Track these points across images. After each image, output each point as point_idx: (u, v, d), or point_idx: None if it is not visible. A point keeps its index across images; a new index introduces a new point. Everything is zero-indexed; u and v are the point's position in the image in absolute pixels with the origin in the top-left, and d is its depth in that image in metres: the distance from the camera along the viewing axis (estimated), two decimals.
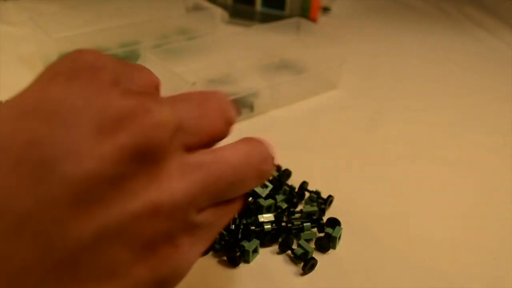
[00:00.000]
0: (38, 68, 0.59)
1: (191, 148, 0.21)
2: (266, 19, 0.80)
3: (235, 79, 0.58)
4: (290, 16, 0.82)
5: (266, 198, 0.39)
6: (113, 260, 0.18)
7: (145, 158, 0.18)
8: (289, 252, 0.37)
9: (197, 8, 0.70)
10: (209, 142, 0.22)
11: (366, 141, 0.52)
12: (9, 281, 0.16)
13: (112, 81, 0.19)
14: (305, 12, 0.81)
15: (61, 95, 0.18)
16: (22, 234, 0.16)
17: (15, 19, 0.72)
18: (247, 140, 0.24)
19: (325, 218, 0.40)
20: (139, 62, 0.63)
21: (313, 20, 0.81)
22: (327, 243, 0.37)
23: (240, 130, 0.51)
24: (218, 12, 0.66)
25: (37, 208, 0.16)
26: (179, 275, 0.21)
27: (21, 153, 0.17)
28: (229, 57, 0.60)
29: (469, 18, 0.90)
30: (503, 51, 0.78)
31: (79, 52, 0.20)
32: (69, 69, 0.19)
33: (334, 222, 0.39)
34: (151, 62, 0.52)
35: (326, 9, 0.87)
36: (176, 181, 0.19)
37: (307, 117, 0.56)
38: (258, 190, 0.39)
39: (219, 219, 0.22)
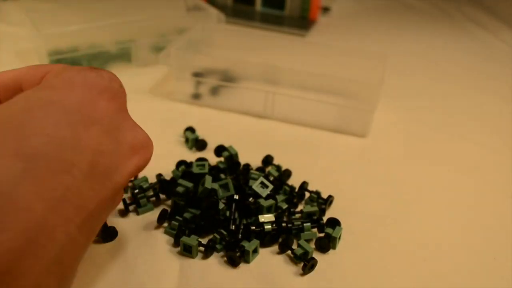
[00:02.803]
0: None
1: None
2: (266, 19, 0.80)
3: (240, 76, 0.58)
4: (290, 16, 0.82)
5: (266, 198, 0.39)
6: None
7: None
8: (289, 252, 0.37)
9: (196, 8, 0.70)
10: None
11: (366, 141, 0.52)
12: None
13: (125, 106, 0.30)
14: (305, 12, 0.81)
15: (110, 113, 0.27)
16: (87, 226, 0.24)
17: (15, 19, 0.72)
18: None
19: (325, 218, 0.40)
20: (132, 59, 0.63)
21: (313, 20, 0.82)
22: (327, 243, 0.37)
23: (250, 130, 0.51)
24: (214, 13, 0.66)
25: (98, 206, 0.25)
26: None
27: (93, 159, 0.24)
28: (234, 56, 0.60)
29: (469, 18, 0.90)
30: (503, 51, 0.78)
31: (107, 73, 0.29)
32: (107, 88, 0.28)
33: (334, 222, 0.39)
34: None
35: (326, 9, 0.87)
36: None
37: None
38: (259, 190, 0.39)
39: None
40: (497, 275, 0.37)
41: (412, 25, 0.86)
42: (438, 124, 0.57)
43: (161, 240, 0.38)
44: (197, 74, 0.58)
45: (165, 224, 0.39)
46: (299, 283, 0.35)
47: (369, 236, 0.40)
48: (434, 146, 0.53)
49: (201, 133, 0.50)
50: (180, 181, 0.40)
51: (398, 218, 0.42)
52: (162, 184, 0.41)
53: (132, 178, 0.38)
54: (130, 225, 0.39)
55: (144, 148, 0.29)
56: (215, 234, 0.37)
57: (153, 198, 0.41)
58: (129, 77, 0.61)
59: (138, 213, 0.40)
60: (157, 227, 0.39)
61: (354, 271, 0.36)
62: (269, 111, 0.54)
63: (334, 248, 0.38)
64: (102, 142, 0.25)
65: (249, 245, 0.36)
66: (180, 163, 0.44)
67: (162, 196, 0.41)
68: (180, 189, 0.40)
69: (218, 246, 0.37)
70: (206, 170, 0.41)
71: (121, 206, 0.40)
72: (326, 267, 0.36)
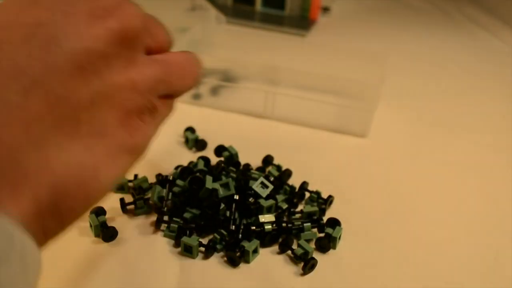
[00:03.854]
0: None
1: (150, 50, 0.27)
2: (266, 19, 0.80)
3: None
4: (290, 16, 0.82)
5: (266, 198, 0.39)
6: (103, 122, 0.23)
7: (126, 42, 0.24)
8: (289, 252, 0.37)
9: (197, 8, 0.70)
10: (161, 49, 0.28)
11: (366, 141, 0.52)
12: (26, 127, 0.20)
13: None
14: (305, 12, 0.81)
15: None
16: (35, 92, 0.20)
17: None
18: (184, 52, 0.30)
19: (325, 218, 0.40)
20: None
21: (313, 20, 0.82)
22: (327, 243, 0.38)
23: (250, 130, 0.51)
24: (214, 13, 0.66)
25: (47, 72, 0.21)
26: (144, 146, 0.27)
27: (29, 31, 0.21)
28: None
29: (469, 18, 0.90)
30: (503, 51, 0.78)
31: None
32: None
33: (334, 222, 0.39)
34: None
35: (326, 9, 0.87)
36: (146, 68, 0.25)
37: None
38: (259, 190, 0.39)
39: (165, 110, 0.28)
40: (497, 275, 0.37)
41: (412, 25, 0.86)
42: (438, 124, 0.57)
43: (162, 240, 0.38)
44: None
45: (164, 227, 0.39)
46: (299, 283, 0.35)
47: (369, 236, 0.40)
48: (434, 146, 0.53)
49: (201, 133, 0.50)
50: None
51: (398, 218, 0.42)
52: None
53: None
54: (130, 225, 0.39)
55: (114, 8, 0.24)
56: (215, 234, 0.37)
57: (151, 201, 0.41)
58: None
59: (134, 214, 0.40)
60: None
61: (354, 271, 0.36)
62: (269, 111, 0.54)
63: (334, 248, 0.38)
64: (40, 15, 0.22)
65: (249, 245, 0.36)
66: (184, 170, 0.42)
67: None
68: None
69: (218, 246, 0.37)
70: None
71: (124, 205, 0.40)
72: (326, 267, 0.36)
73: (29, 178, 0.21)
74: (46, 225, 0.22)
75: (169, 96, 0.29)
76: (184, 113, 0.55)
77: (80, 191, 0.23)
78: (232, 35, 0.69)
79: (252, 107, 0.55)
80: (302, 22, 0.80)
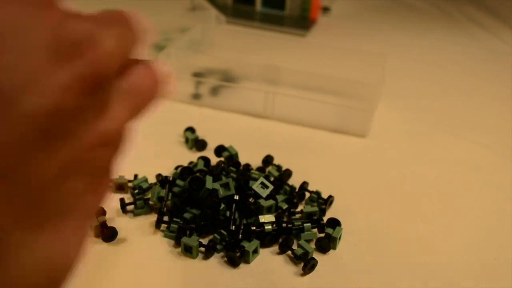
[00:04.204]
0: None
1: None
2: (266, 19, 0.80)
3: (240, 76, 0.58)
4: (290, 16, 0.82)
5: (266, 198, 0.39)
6: (73, 193, 0.18)
7: (99, 88, 0.17)
8: (289, 252, 0.37)
9: (197, 8, 0.70)
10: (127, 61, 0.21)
11: (366, 141, 0.52)
12: None
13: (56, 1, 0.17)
14: (305, 12, 0.81)
15: (4, 15, 0.16)
16: None
17: None
18: (147, 66, 0.21)
19: (325, 218, 0.40)
20: None
21: (313, 20, 0.82)
22: (327, 244, 0.37)
23: (250, 130, 0.51)
24: (213, 13, 0.66)
25: (1, 149, 0.15)
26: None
27: None
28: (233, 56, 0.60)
29: (469, 18, 0.90)
30: (503, 51, 0.78)
31: None
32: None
33: (334, 223, 0.39)
34: None
35: (326, 9, 0.87)
36: (118, 109, 0.19)
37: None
38: (259, 190, 0.39)
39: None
40: (498, 275, 0.37)
41: (412, 25, 0.86)
42: (438, 123, 0.57)
43: (162, 240, 0.38)
44: (197, 74, 0.58)
45: (164, 227, 0.39)
46: (299, 283, 0.35)
47: (369, 236, 0.40)
48: (434, 146, 0.53)
49: (201, 133, 0.50)
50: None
51: (398, 217, 0.42)
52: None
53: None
54: (130, 225, 0.39)
55: (85, 44, 0.16)
56: (215, 235, 0.37)
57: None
58: None
59: (134, 214, 0.40)
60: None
61: (354, 271, 0.36)
62: (269, 111, 0.54)
63: (334, 248, 0.38)
64: None
65: (249, 246, 0.36)
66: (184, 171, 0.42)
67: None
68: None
69: (218, 247, 0.37)
70: (233, 191, 0.39)
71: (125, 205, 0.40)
72: (326, 267, 0.36)
73: None
74: None
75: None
76: (184, 113, 0.55)
77: (48, 281, 0.19)
78: (232, 35, 0.69)
79: (252, 107, 0.55)
80: (302, 22, 0.80)
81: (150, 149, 0.47)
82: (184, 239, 0.36)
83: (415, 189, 0.46)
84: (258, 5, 0.83)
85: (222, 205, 0.38)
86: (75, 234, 0.19)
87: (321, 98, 0.55)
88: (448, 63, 0.73)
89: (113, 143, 0.19)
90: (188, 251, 0.36)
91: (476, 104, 0.62)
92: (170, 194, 0.40)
